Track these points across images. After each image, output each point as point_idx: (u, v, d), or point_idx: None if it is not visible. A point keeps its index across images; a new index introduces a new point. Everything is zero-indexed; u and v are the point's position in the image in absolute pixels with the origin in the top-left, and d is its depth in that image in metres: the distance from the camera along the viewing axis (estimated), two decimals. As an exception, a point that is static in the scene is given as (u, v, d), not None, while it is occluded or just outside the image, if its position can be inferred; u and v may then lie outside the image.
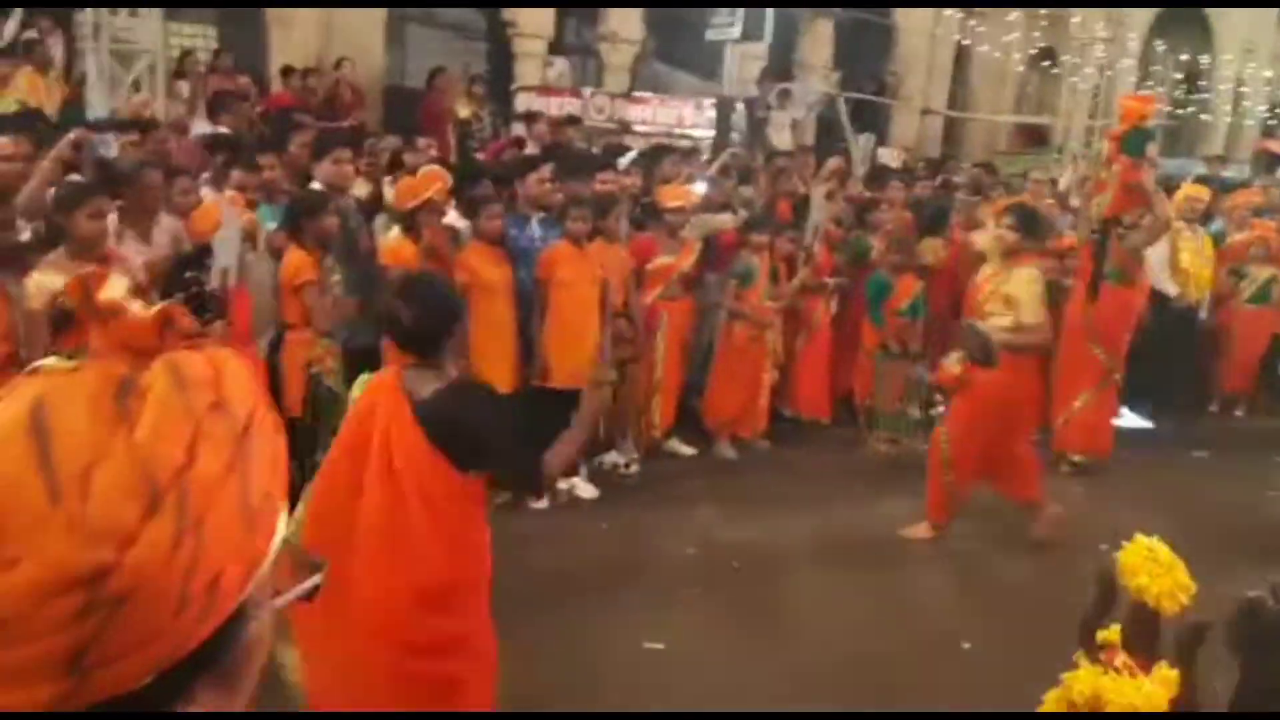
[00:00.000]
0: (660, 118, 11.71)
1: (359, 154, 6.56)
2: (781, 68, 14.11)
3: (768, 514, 5.95)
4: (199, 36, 11.01)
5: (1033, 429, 6.81)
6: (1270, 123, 18.85)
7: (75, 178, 4.74)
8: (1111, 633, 2.05)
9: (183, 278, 4.34)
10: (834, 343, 7.57)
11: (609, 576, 5.02)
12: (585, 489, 6.06)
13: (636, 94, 12.05)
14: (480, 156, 9.30)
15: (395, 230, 5.52)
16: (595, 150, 9.44)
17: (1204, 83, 17.73)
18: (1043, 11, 16.03)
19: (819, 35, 15.15)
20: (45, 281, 3.79)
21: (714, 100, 12.12)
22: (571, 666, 4.09)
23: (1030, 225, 5.68)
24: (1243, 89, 18.23)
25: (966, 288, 6.05)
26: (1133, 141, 6.45)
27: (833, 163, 8.55)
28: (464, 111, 10.43)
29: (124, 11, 8.04)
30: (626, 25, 13.04)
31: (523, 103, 11.25)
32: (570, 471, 5.99)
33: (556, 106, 10.99)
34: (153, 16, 8.18)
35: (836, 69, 15.04)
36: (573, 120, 10.31)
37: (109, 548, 0.64)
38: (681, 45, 13.98)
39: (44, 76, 7.99)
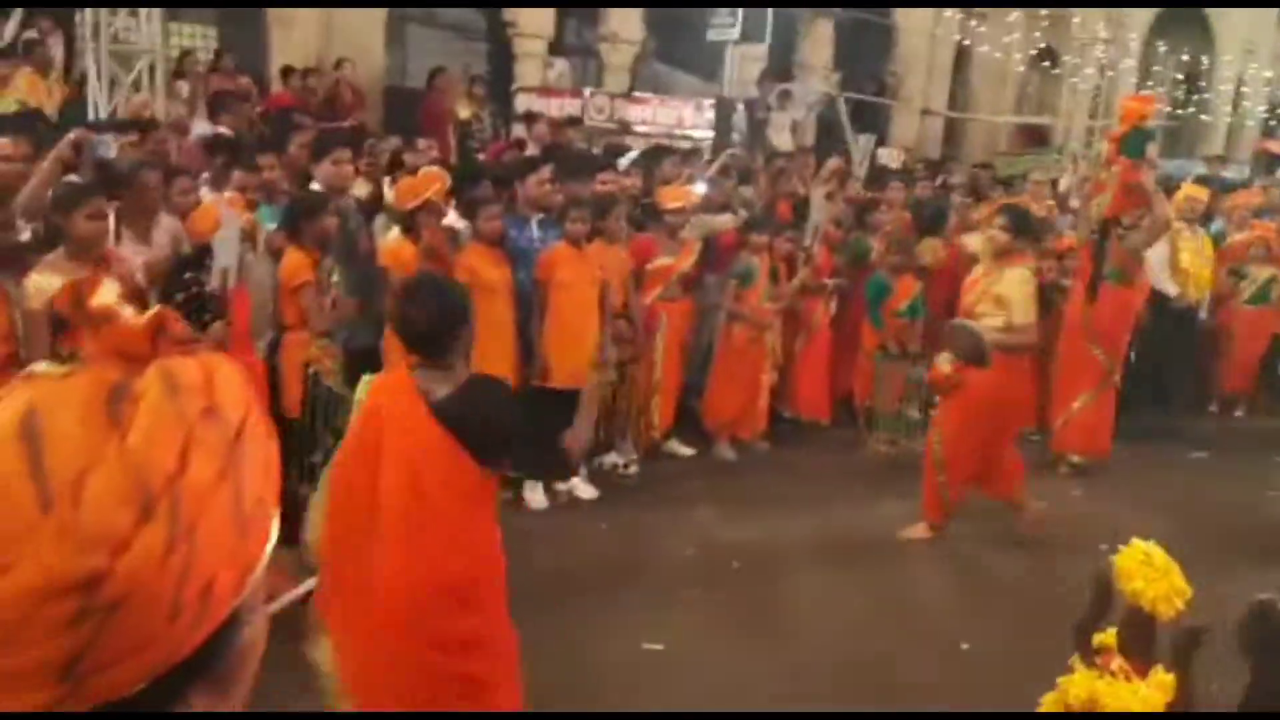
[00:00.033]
0: (660, 118, 11.70)
1: (358, 155, 6.56)
2: (782, 68, 14.10)
3: (767, 515, 5.96)
4: (199, 37, 11.01)
5: (1022, 429, 6.84)
6: (1270, 123, 18.85)
7: (74, 178, 4.74)
8: (1108, 636, 2.05)
9: (182, 278, 4.34)
10: (833, 344, 7.58)
11: (608, 577, 5.02)
12: (585, 489, 6.06)
13: (637, 94, 12.05)
14: (481, 157, 9.30)
15: (395, 231, 5.52)
16: (596, 151, 9.45)
17: (1204, 83, 17.73)
18: (1043, 12, 16.04)
19: (819, 36, 15.15)
20: (44, 282, 3.79)
21: (714, 101, 12.12)
22: (571, 666, 4.09)
23: (1022, 226, 5.69)
24: (1243, 89, 18.23)
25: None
26: (1132, 142, 6.46)
27: (832, 164, 8.55)
28: (464, 112, 10.43)
29: (124, 12, 8.04)
30: (627, 26, 13.04)
31: (523, 103, 11.25)
32: (570, 472, 6.00)
33: (557, 107, 10.98)
34: (153, 17, 8.17)
35: (836, 70, 15.03)
36: (573, 121, 10.31)
37: (102, 554, 0.64)
38: (682, 46, 13.97)
39: (44, 77, 7.98)
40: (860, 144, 12.27)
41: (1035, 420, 7.62)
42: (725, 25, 13.12)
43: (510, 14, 12.41)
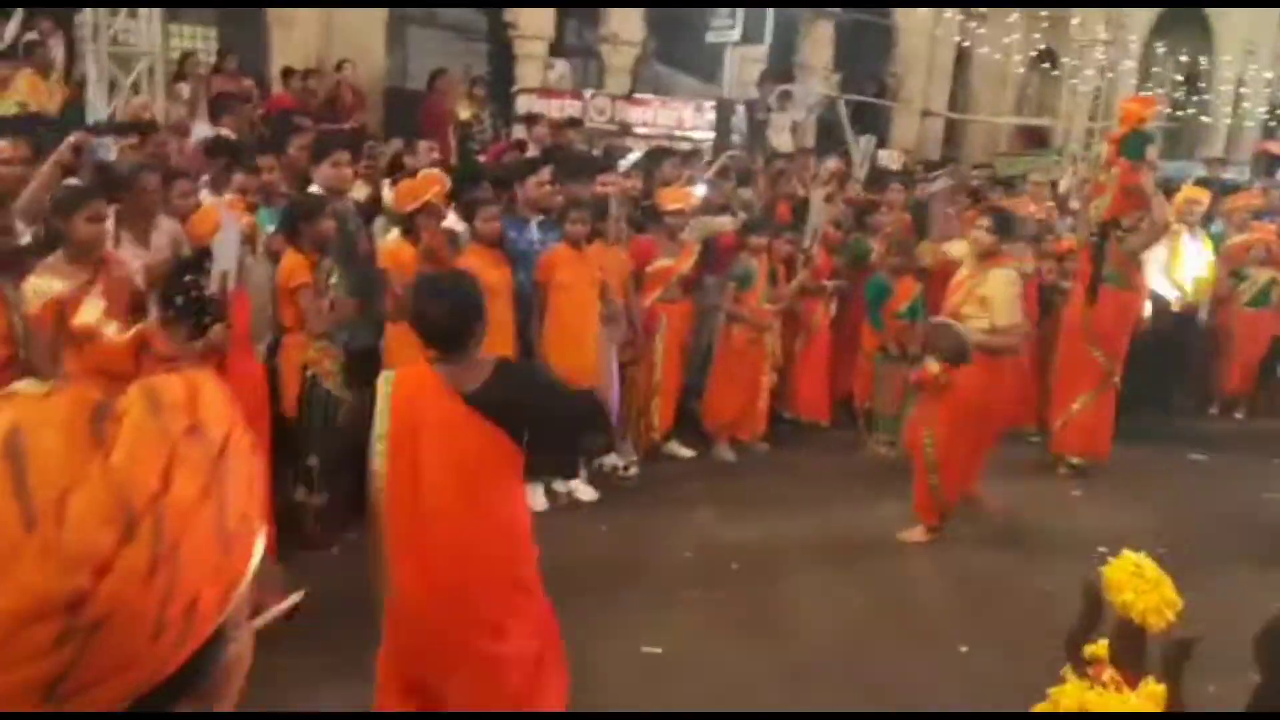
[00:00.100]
0: (661, 119, 11.71)
1: (358, 157, 6.56)
2: (782, 70, 14.11)
3: (767, 516, 5.96)
4: (199, 38, 11.01)
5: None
6: (1271, 124, 18.84)
7: (73, 181, 4.74)
8: (1099, 647, 2.05)
9: (181, 281, 4.33)
10: (833, 345, 7.58)
11: (608, 578, 5.02)
12: (585, 491, 6.07)
13: (637, 96, 12.05)
14: (481, 158, 9.30)
15: (394, 233, 5.53)
16: (596, 152, 9.45)
17: (1204, 84, 17.71)
18: (1043, 13, 16.03)
19: (819, 37, 15.14)
20: (43, 285, 3.78)
21: (714, 102, 12.13)
22: (571, 667, 4.08)
23: (1006, 226, 5.69)
24: (1243, 90, 18.22)
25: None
26: (1132, 144, 6.46)
27: (832, 165, 8.54)
28: (465, 113, 10.43)
29: (123, 13, 8.04)
30: (627, 27, 13.04)
31: (523, 104, 11.25)
32: (570, 474, 6.01)
33: (557, 108, 10.99)
34: (152, 18, 8.17)
35: (837, 71, 15.04)
36: (573, 122, 10.31)
37: (85, 574, 0.64)
38: (682, 47, 13.98)
39: (45, 79, 7.98)
40: (860, 145, 12.26)
41: (1035, 421, 7.65)
42: (725, 27, 13.12)
43: (511, 15, 12.41)
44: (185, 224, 4.67)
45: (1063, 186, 10.28)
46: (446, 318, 3.00)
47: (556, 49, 12.90)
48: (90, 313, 0.82)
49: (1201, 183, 9.67)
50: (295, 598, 0.84)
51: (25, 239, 4.23)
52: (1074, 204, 8.97)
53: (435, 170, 5.87)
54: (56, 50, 8.50)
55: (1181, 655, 1.94)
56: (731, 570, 5.24)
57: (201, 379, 0.75)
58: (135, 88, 8.02)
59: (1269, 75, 17.94)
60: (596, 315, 5.87)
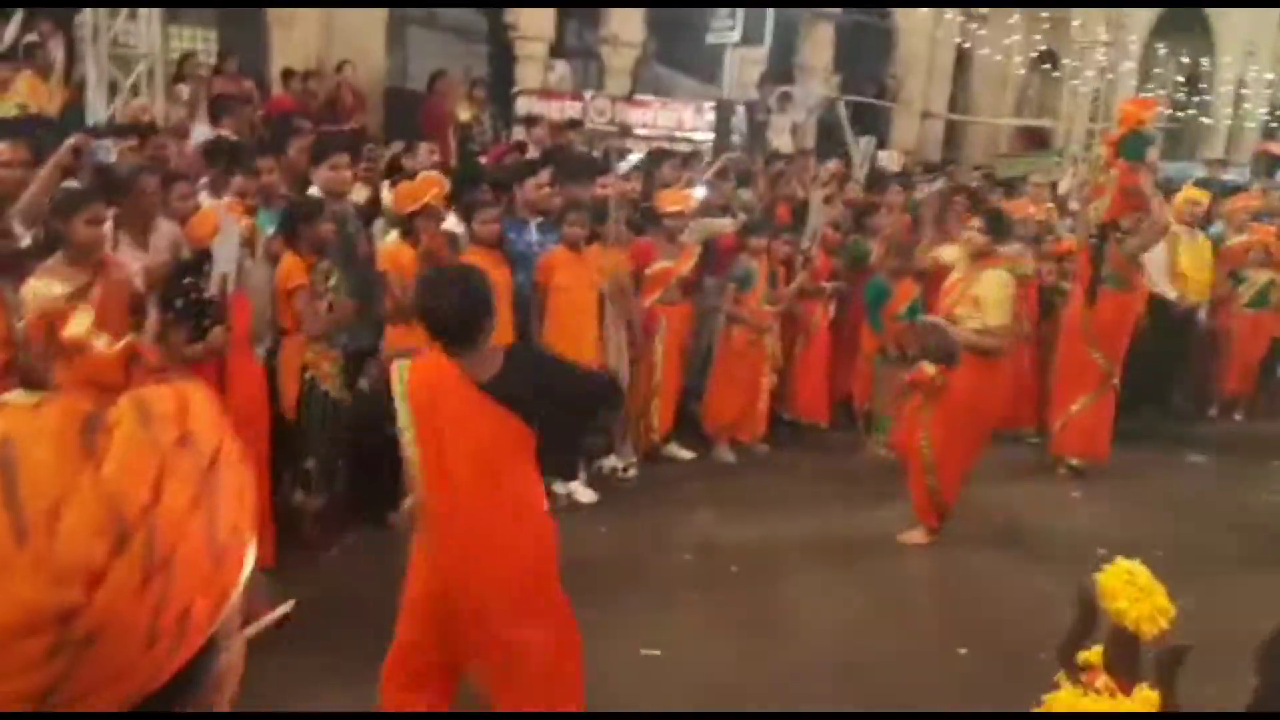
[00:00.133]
0: (661, 121, 11.73)
1: (357, 159, 6.57)
2: (782, 71, 14.12)
3: (766, 517, 5.97)
4: (199, 39, 11.02)
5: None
6: (1271, 125, 18.84)
7: (72, 183, 4.74)
8: (1093, 654, 2.06)
9: (181, 284, 4.35)
10: (832, 347, 7.58)
11: (608, 580, 5.02)
12: (584, 493, 6.07)
13: (637, 97, 12.06)
14: (481, 160, 9.30)
15: (393, 235, 5.53)
16: (596, 154, 9.45)
17: (1204, 85, 17.72)
18: (1043, 14, 16.04)
19: (819, 38, 15.15)
20: (42, 288, 3.79)
21: (714, 104, 12.14)
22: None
23: (999, 227, 5.70)
24: (1243, 91, 18.22)
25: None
26: (1131, 146, 6.47)
27: (831, 166, 8.55)
28: (465, 114, 10.43)
29: (123, 15, 8.04)
30: (628, 28, 13.05)
31: (524, 106, 11.26)
32: (569, 475, 6.02)
33: (557, 110, 11.00)
34: (152, 20, 8.17)
35: (837, 72, 15.04)
36: (574, 123, 10.32)
37: (77, 587, 0.64)
38: (683, 48, 13.99)
39: (45, 80, 7.98)
40: (861, 147, 12.27)
41: (1034, 422, 7.65)
42: (725, 28, 13.14)
43: (511, 16, 12.42)
44: (184, 226, 4.68)
45: (1062, 188, 10.28)
46: (454, 312, 3.03)
47: (557, 50, 12.91)
48: (80, 325, 0.82)
49: (1201, 184, 9.67)
50: (285, 608, 0.84)
51: (25, 241, 4.24)
52: (1074, 205, 8.97)
53: (434, 172, 5.88)
54: (56, 52, 8.49)
55: (1174, 663, 1.94)
56: (731, 572, 5.24)
57: (191, 390, 0.75)
58: (135, 89, 8.03)
59: (1269, 76, 17.95)
60: (595, 317, 5.93)
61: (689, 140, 11.28)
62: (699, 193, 7.30)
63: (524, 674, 3.18)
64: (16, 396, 0.72)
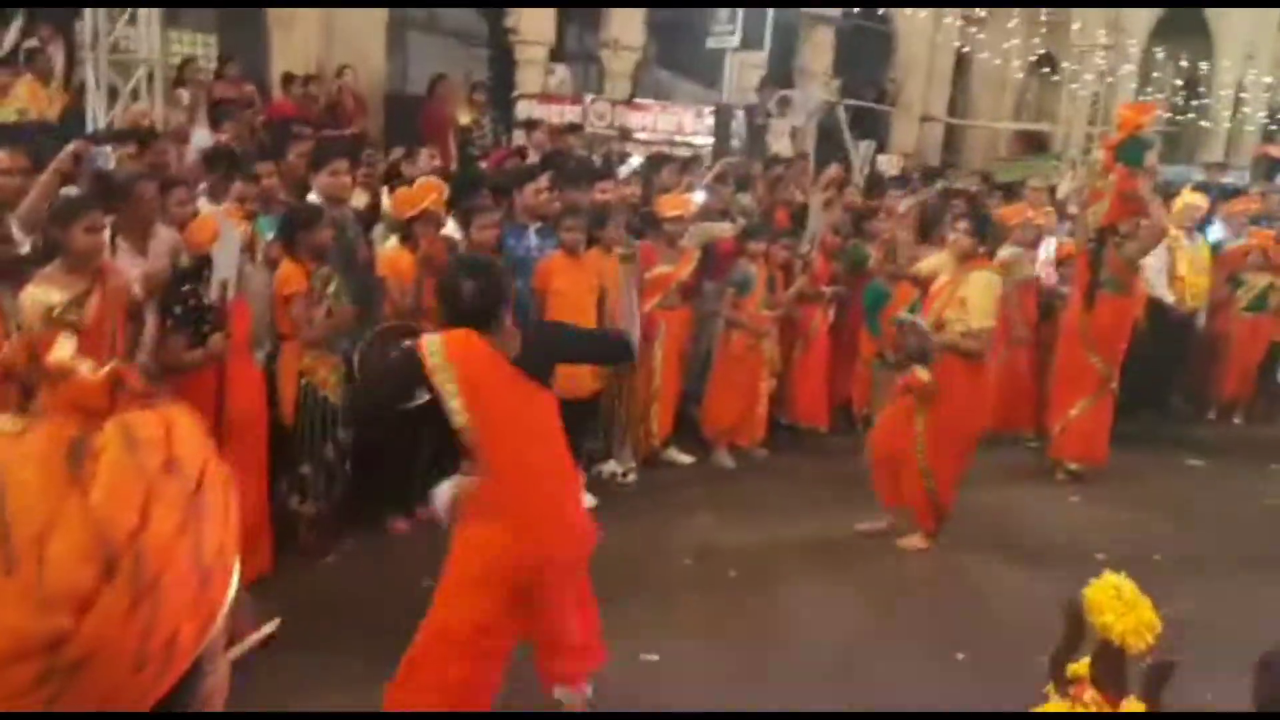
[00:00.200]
0: (661, 125, 11.75)
1: (356, 164, 6.58)
2: (781, 75, 14.14)
3: (766, 522, 5.97)
4: (199, 44, 11.03)
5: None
6: (1271, 128, 18.86)
7: (71, 189, 4.75)
8: (1080, 667, 2.06)
9: (180, 290, 4.35)
10: (831, 351, 7.59)
11: (607, 584, 4.98)
12: (583, 498, 6.06)
13: (637, 101, 12.08)
14: (482, 164, 9.31)
15: (393, 240, 5.54)
16: (596, 157, 9.46)
17: (1204, 88, 17.74)
18: (1043, 18, 16.07)
19: (819, 43, 15.18)
20: (40, 295, 3.80)
21: (714, 108, 12.15)
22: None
23: (984, 229, 5.71)
24: (1243, 94, 18.24)
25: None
26: (1129, 151, 6.48)
27: (831, 171, 8.56)
28: (465, 119, 10.44)
29: (123, 20, 8.06)
30: (628, 32, 13.07)
31: (524, 110, 11.28)
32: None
33: (557, 114, 11.01)
34: (152, 24, 8.19)
35: (836, 76, 15.07)
36: (574, 127, 10.32)
37: (65, 613, 0.64)
38: (683, 52, 14.01)
39: (45, 85, 7.99)
40: (860, 150, 12.30)
41: (1033, 426, 7.66)
42: (725, 32, 13.14)
43: (512, 20, 12.44)
44: (183, 232, 4.69)
45: (1061, 192, 10.28)
46: (478, 294, 3.23)
47: (557, 54, 12.93)
48: (63, 350, 0.83)
49: (1200, 187, 9.68)
50: (270, 628, 0.85)
51: (25, 248, 4.24)
52: (1072, 209, 8.97)
53: (433, 178, 5.88)
54: (56, 57, 8.50)
55: (1162, 677, 1.95)
56: (730, 576, 5.24)
57: (176, 414, 0.76)
58: (135, 94, 8.04)
59: (1268, 79, 17.97)
60: (593, 322, 5.92)
61: (689, 144, 11.30)
62: (698, 197, 7.31)
63: (581, 585, 3.57)
64: (1, 422, 0.71)
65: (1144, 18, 17.06)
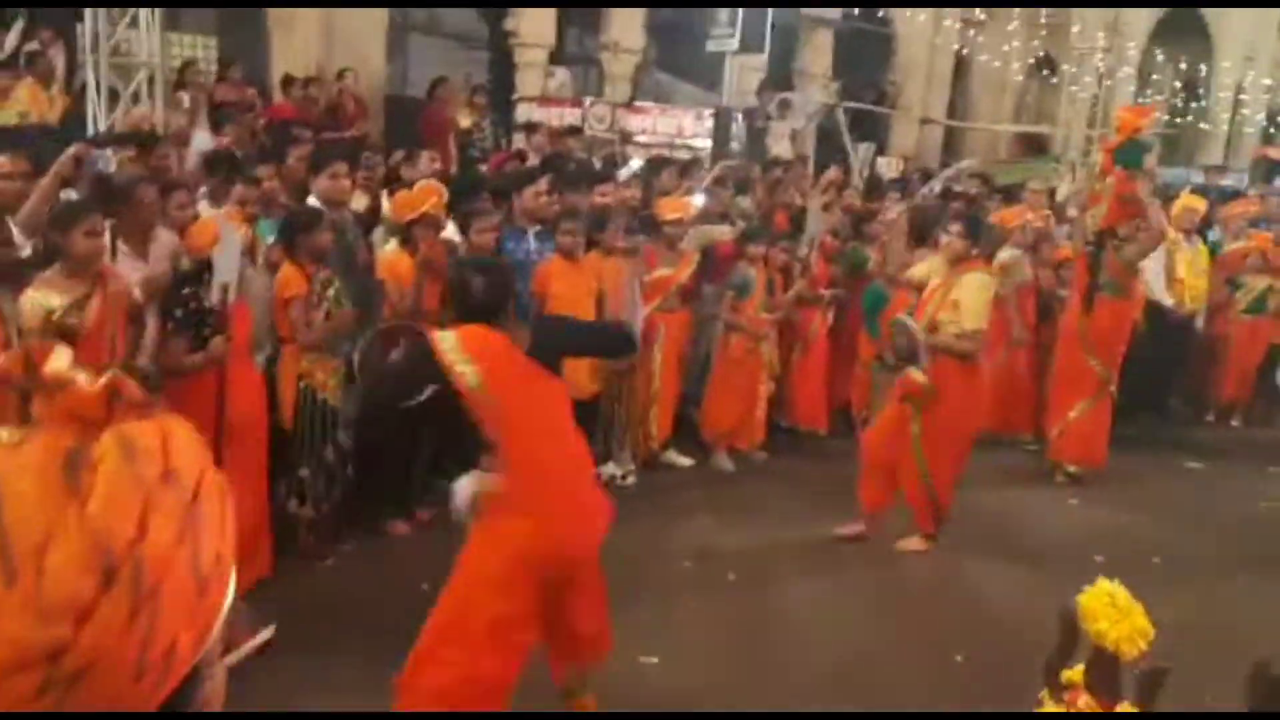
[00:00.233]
0: (661, 127, 11.77)
1: (356, 167, 6.58)
2: (781, 78, 14.16)
3: (765, 525, 5.97)
4: (199, 47, 11.04)
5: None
6: (1270, 130, 18.88)
7: (70, 193, 4.76)
8: (1075, 673, 2.08)
9: (181, 294, 4.35)
10: (831, 354, 7.60)
11: (606, 586, 5.03)
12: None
13: (637, 104, 12.09)
14: (482, 167, 9.33)
15: (393, 243, 5.55)
16: (596, 160, 9.47)
17: (1203, 90, 17.76)
18: (1042, 20, 16.09)
19: (818, 45, 15.19)
20: (40, 299, 3.81)
21: (713, 111, 12.16)
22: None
23: (977, 231, 5.72)
24: (1242, 96, 18.26)
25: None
26: (1128, 153, 6.49)
27: (830, 173, 8.57)
28: (465, 121, 10.45)
29: (123, 23, 8.07)
30: (628, 35, 13.08)
31: (524, 112, 11.30)
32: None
33: (557, 116, 11.03)
34: (153, 27, 8.20)
35: (836, 79, 15.09)
36: (573, 130, 10.33)
37: (65, 624, 0.65)
38: (682, 55, 14.03)
39: (46, 88, 8.00)
40: (860, 153, 12.30)
41: (1032, 429, 7.67)
42: (725, 35, 13.17)
43: (511, 23, 12.45)
44: (184, 236, 4.70)
45: (1060, 194, 10.29)
46: (488, 289, 3.33)
47: (557, 57, 12.95)
48: (60, 360, 0.83)
49: (1199, 190, 9.70)
50: (265, 634, 0.86)
51: (25, 251, 4.25)
52: (1071, 212, 8.99)
53: (433, 181, 5.90)
54: (57, 60, 8.52)
55: (1155, 683, 1.97)
56: (729, 579, 5.25)
57: (173, 424, 0.76)
58: (136, 97, 8.05)
59: (1268, 82, 17.99)
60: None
61: (688, 147, 11.31)
62: (698, 200, 7.31)
63: (599, 580, 3.61)
64: None
65: (1143, 20, 17.07)
